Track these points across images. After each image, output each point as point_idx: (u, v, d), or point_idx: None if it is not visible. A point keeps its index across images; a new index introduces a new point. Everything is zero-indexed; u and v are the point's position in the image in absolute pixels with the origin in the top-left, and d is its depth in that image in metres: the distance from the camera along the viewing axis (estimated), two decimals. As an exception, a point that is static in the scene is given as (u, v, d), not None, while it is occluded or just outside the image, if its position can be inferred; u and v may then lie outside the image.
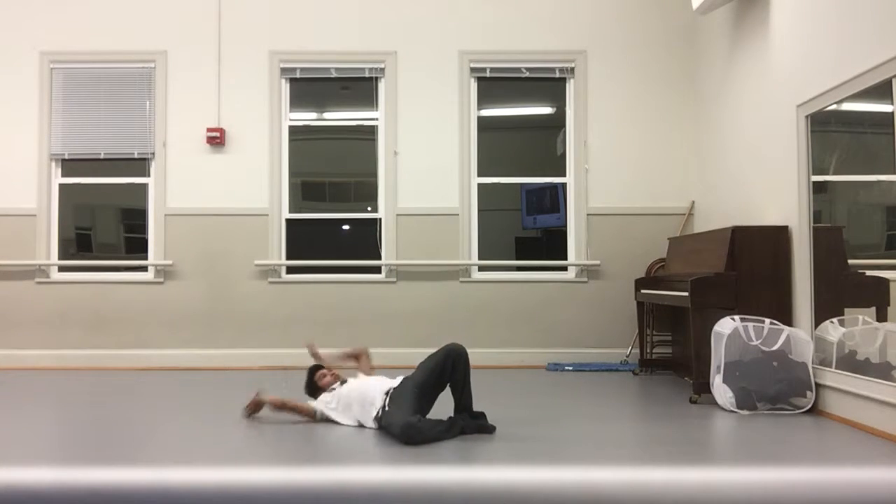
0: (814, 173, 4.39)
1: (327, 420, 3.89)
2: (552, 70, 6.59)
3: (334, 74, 6.61)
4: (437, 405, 3.73)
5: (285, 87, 6.63)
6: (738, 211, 5.46)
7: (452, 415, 3.69)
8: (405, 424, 3.42)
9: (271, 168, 6.51)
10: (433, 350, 3.81)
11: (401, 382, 3.76)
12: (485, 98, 6.67)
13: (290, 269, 6.55)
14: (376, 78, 6.61)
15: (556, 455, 3.30)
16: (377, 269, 6.54)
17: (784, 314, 4.56)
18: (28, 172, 6.49)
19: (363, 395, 3.81)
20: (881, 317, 3.78)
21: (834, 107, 4.15)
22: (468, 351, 3.73)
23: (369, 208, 6.62)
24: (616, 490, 1.14)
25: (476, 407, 3.75)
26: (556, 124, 6.71)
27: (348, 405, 3.85)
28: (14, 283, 6.43)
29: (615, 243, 6.46)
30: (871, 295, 3.89)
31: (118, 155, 6.55)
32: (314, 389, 4.05)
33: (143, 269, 6.55)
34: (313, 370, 4.10)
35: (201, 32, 6.55)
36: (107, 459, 3.21)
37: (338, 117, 6.81)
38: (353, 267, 6.50)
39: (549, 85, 6.68)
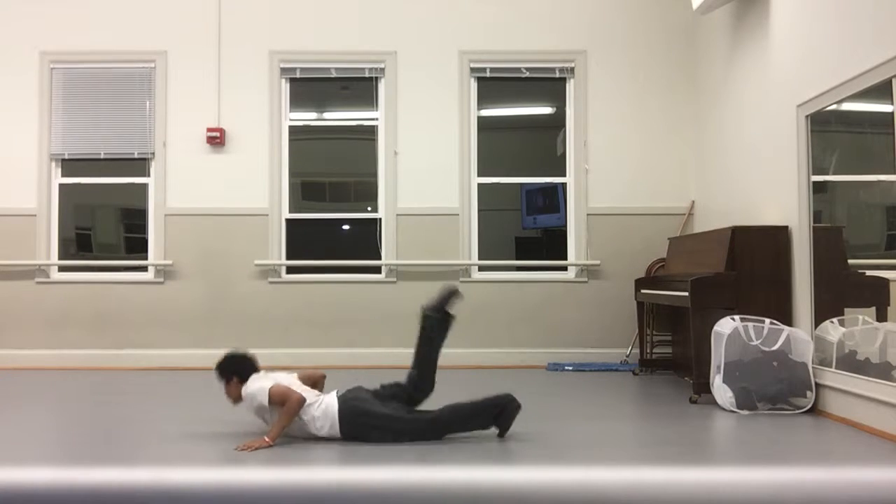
0: (814, 173, 4.39)
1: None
2: (552, 70, 6.58)
3: (334, 74, 6.60)
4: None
5: (285, 87, 6.63)
6: (738, 211, 5.46)
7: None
8: (427, 420, 3.53)
9: (271, 168, 6.51)
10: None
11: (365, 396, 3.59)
12: (485, 98, 6.66)
13: (290, 269, 6.55)
14: (376, 78, 6.61)
15: (556, 455, 3.30)
16: (377, 270, 6.53)
17: (784, 314, 4.56)
18: (28, 172, 6.49)
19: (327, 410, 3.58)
20: (881, 317, 3.78)
21: (834, 107, 4.15)
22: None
23: (369, 208, 6.62)
24: (616, 490, 1.14)
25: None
26: (556, 124, 6.71)
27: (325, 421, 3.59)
28: (14, 283, 6.43)
29: (615, 243, 6.46)
30: (871, 295, 3.89)
31: (118, 155, 6.55)
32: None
33: (143, 268, 6.55)
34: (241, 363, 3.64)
35: (201, 32, 6.54)
36: (107, 459, 3.21)
37: (338, 117, 6.81)
38: (352, 267, 6.50)
39: (549, 85, 6.68)
